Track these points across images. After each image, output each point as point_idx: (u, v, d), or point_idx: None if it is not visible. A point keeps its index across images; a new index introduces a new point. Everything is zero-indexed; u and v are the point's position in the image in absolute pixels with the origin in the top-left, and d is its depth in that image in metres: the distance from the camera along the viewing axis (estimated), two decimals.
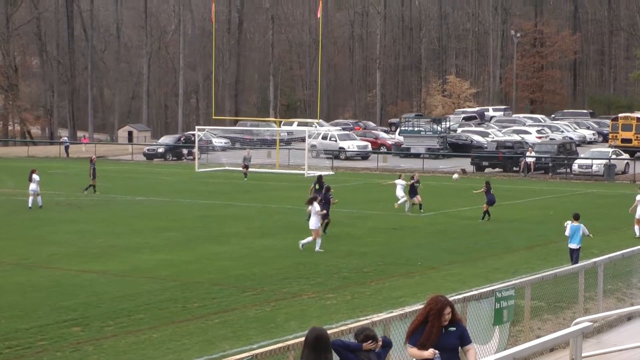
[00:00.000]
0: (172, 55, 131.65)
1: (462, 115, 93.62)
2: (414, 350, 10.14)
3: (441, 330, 10.11)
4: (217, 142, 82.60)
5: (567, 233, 25.34)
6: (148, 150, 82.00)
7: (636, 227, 33.05)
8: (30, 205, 41.11)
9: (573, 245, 25.13)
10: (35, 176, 41.15)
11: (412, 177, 40.18)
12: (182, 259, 27.63)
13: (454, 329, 10.21)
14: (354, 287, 23.47)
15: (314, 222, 29.28)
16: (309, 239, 29.34)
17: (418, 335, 10.12)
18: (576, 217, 25.43)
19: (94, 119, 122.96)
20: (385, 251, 29.45)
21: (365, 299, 22.01)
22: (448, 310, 10.18)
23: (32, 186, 41.14)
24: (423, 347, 10.03)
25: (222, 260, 27.63)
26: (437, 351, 9.96)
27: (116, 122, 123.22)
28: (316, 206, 29.42)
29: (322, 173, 42.99)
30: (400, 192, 39.79)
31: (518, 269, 25.83)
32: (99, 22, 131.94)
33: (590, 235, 25.81)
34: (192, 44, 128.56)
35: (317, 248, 29.06)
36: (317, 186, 35.53)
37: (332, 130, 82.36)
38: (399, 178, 40.89)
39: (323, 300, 21.92)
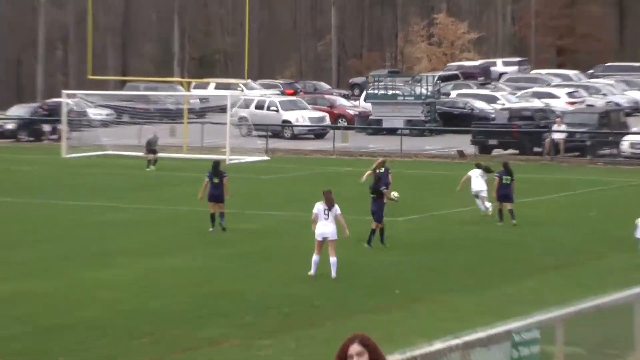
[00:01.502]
0: None
1: (439, 74, 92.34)
2: None
3: None
4: (96, 114, 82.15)
5: (638, 235, 26.92)
6: None
7: None
8: None
9: None
10: None
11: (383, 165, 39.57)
12: (42, 290, 27.38)
13: None
14: (299, 330, 23.48)
15: (334, 230, 28.92)
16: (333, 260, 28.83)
17: None
18: None
19: None
20: (346, 273, 29.28)
21: (316, 347, 21.96)
22: (356, 349, 10.12)
23: None
24: None
25: (103, 289, 27.48)
26: None
27: None
28: (337, 208, 29.06)
29: (219, 157, 42.63)
30: (477, 186, 38.50)
31: (544, 299, 25.81)
32: None
33: None
34: None
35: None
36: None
37: (272, 96, 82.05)
38: (476, 167, 39.81)
39: (254, 349, 21.94)
